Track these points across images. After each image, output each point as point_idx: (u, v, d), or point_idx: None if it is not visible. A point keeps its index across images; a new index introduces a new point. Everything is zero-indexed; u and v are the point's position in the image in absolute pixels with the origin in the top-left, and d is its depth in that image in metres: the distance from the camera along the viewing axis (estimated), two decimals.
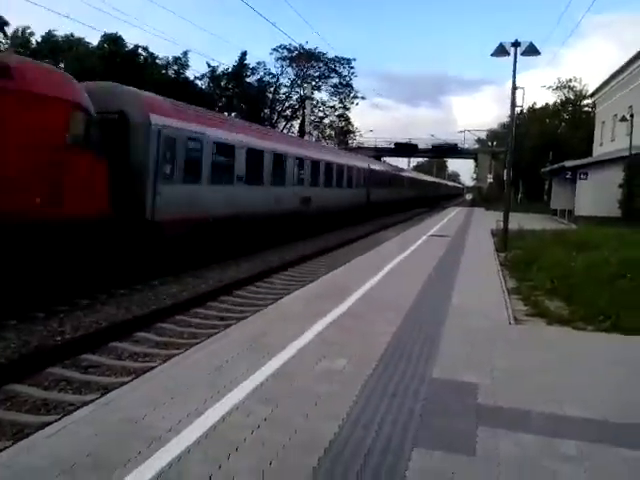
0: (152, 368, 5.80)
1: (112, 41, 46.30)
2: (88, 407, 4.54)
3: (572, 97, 68.29)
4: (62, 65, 41.01)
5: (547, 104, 69.91)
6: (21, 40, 46.22)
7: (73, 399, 6.15)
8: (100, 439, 3.89)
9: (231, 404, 4.54)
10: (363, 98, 65.50)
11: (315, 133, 63.51)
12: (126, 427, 4.09)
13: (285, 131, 58.89)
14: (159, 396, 4.69)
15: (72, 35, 46.68)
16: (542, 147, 58.35)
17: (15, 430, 5.37)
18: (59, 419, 4.41)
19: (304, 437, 4.02)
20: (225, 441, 3.91)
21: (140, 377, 5.38)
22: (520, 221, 22.26)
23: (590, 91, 51.25)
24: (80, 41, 46.94)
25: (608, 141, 37.55)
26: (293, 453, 3.78)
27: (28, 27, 46.97)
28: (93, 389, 6.50)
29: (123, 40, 47.41)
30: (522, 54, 16.62)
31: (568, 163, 32.25)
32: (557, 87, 68.61)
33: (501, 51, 16.74)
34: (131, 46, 47.81)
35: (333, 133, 68.40)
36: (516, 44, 16.59)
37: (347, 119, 68.31)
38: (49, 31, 47.01)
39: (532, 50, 16.51)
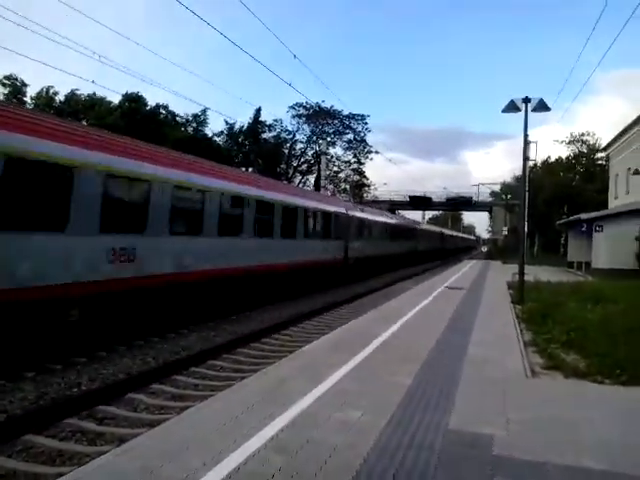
0: (168, 419, 5.84)
1: (133, 100, 47.92)
2: (105, 457, 4.58)
3: (585, 150, 68.93)
4: (84, 122, 42.36)
5: (560, 157, 70.60)
6: (45, 99, 47.91)
7: (89, 450, 6.19)
8: None
9: (247, 454, 4.57)
10: (377, 152, 66.61)
11: (330, 187, 64.40)
12: (143, 476, 4.12)
13: (301, 185, 59.77)
14: (175, 446, 4.73)
15: (94, 94, 48.39)
16: (557, 199, 58.64)
17: None
18: (75, 469, 4.46)
19: None
20: None
21: (156, 427, 5.42)
22: (536, 273, 22.24)
23: (603, 145, 51.73)
24: (102, 100, 48.59)
25: (623, 194, 37.59)
26: None
27: (52, 86, 48.78)
28: (109, 440, 6.53)
29: (144, 99, 49.10)
30: (532, 110, 16.91)
31: (584, 216, 32.28)
32: (570, 141, 69.47)
33: (512, 107, 17.06)
34: (151, 104, 49.49)
35: (348, 187, 69.24)
36: (526, 100, 16.92)
37: (361, 173, 69.37)
38: (72, 91, 48.80)
39: (542, 106, 16.82)
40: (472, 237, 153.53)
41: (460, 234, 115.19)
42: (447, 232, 76.57)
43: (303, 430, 5.21)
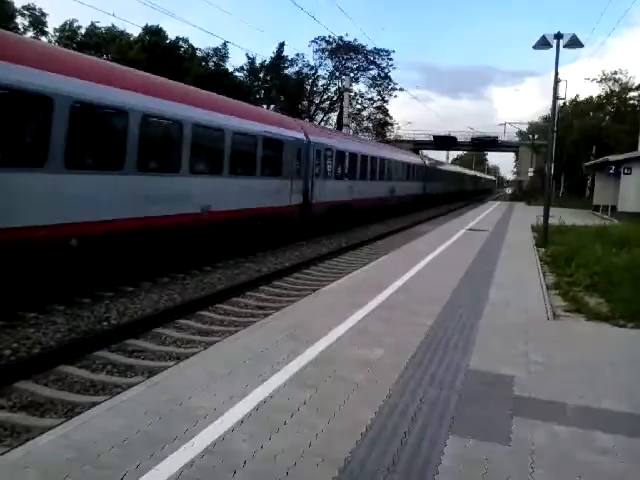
0: (195, 353, 6.02)
1: (153, 33, 47.13)
2: (136, 388, 4.77)
3: (617, 90, 66.50)
4: (106, 57, 41.92)
5: (591, 97, 68.30)
6: (69, 33, 47.36)
7: (119, 381, 6.43)
8: (148, 418, 4.10)
9: (272, 388, 4.72)
10: (402, 90, 65.21)
11: (353, 125, 63.46)
12: (173, 407, 4.29)
13: (322, 123, 58.98)
14: (203, 379, 4.89)
15: (114, 27, 47.68)
16: (585, 141, 57.09)
17: (66, 409, 5.66)
18: (108, 399, 4.65)
19: (343, 421, 4.16)
20: (267, 423, 4.08)
21: (184, 361, 5.60)
22: (561, 216, 21.93)
23: (636, 83, 49.91)
24: (122, 33, 47.86)
25: None
26: (332, 436, 3.92)
27: (76, 20, 48.13)
28: (138, 372, 6.77)
29: (164, 32, 48.25)
30: (565, 46, 16.29)
31: (612, 157, 31.51)
32: (602, 79, 66.93)
33: (543, 43, 16.42)
34: (171, 38, 48.65)
35: (371, 125, 68.22)
36: (558, 36, 16.26)
37: (385, 111, 68.08)
38: (92, 24, 48.08)
39: (575, 42, 16.16)
40: (490, 177, 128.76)
41: (470, 172, 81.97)
42: (446, 169, 54.22)
43: (327, 367, 5.34)
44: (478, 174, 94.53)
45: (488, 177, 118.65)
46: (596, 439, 4.08)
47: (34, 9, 45.43)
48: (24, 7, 44.75)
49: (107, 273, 10.58)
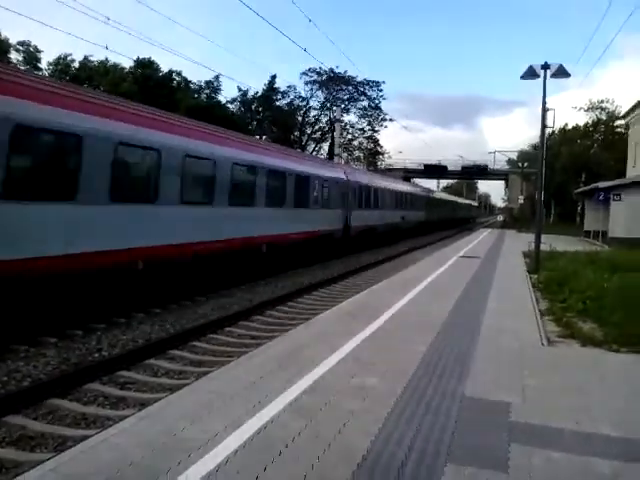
0: (187, 384, 5.96)
1: (145, 66, 47.67)
2: (128, 420, 4.70)
3: (604, 118, 67.61)
4: (99, 89, 42.27)
5: (578, 125, 69.32)
6: (62, 66, 47.82)
7: (111, 414, 6.34)
8: (141, 450, 4.03)
9: (267, 418, 4.66)
10: (391, 120, 66.02)
11: (344, 155, 63.99)
12: (166, 439, 4.23)
13: (314, 153, 59.46)
14: (196, 410, 4.83)
15: (107, 59, 48.19)
16: (574, 168, 57.83)
17: (57, 442, 5.57)
18: (100, 431, 4.58)
19: (339, 451, 4.11)
20: (262, 453, 4.02)
21: (177, 392, 5.53)
22: (552, 243, 22.07)
23: (623, 112, 50.73)
24: (115, 66, 48.38)
25: None
26: (327, 467, 3.87)
27: (69, 54, 48.65)
28: (130, 404, 6.69)
29: (156, 64, 48.82)
30: (552, 76, 16.60)
31: (601, 184, 31.83)
32: (589, 108, 68.10)
33: (531, 73, 16.73)
34: (164, 70, 49.21)
35: (362, 155, 68.80)
36: (546, 66, 16.58)
37: (376, 141, 68.81)
38: (85, 57, 48.61)
39: (562, 72, 16.48)
40: (473, 203, 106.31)
41: (447, 197, 69.43)
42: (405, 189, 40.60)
43: (321, 396, 5.29)
44: (452, 198, 73.67)
45: (467, 202, 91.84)
46: (594, 465, 4.04)
47: (29, 45, 45.93)
48: (19, 43, 45.27)
49: (100, 305, 10.50)
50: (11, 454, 5.25)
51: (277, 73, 70.42)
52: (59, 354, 8.43)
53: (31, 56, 46.21)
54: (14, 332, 8.71)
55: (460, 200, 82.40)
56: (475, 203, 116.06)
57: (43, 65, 47.34)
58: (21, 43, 45.47)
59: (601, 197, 31.41)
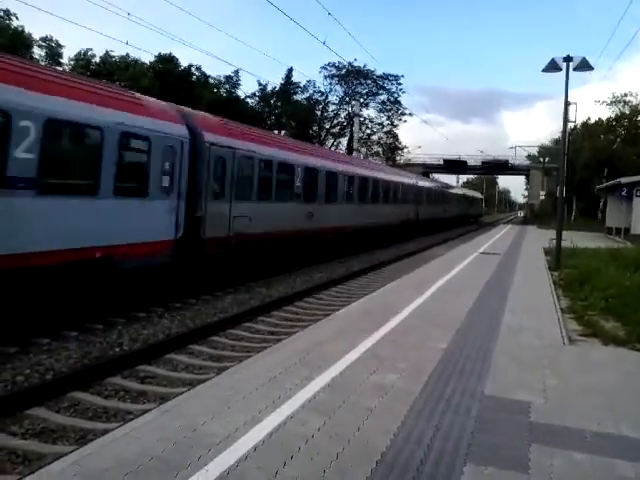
0: (207, 379, 5.99)
1: (166, 61, 47.88)
2: (149, 414, 4.73)
3: (627, 112, 66.50)
4: (119, 84, 42.58)
5: (601, 119, 68.28)
6: (83, 62, 48.20)
7: (132, 407, 6.41)
8: (162, 444, 4.06)
9: (286, 414, 4.68)
10: (411, 114, 65.51)
11: (363, 150, 63.76)
12: (186, 434, 4.26)
13: (333, 148, 59.35)
14: (216, 405, 4.86)
15: (128, 55, 48.48)
16: (596, 163, 56.99)
17: (78, 436, 5.64)
18: (121, 425, 4.63)
19: (357, 448, 4.11)
20: (281, 449, 4.03)
21: (197, 387, 5.57)
22: (573, 239, 21.82)
23: None
24: (136, 62, 48.67)
25: None
26: (346, 464, 3.87)
27: (90, 49, 48.99)
28: (151, 398, 6.75)
29: (176, 59, 49.02)
30: (574, 69, 16.36)
31: (624, 180, 31.38)
32: (612, 102, 67.00)
33: (553, 67, 16.52)
34: (184, 65, 49.38)
35: (381, 150, 68.49)
36: (568, 59, 16.35)
37: (395, 136, 68.38)
38: (106, 52, 48.95)
39: (585, 65, 16.24)
40: (474, 194, 76.76)
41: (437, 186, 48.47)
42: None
43: (340, 393, 5.29)
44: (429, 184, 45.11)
45: (461, 194, 62.70)
46: (616, 467, 3.99)
47: (51, 40, 46.38)
48: (42, 38, 45.71)
49: (119, 299, 10.61)
50: (34, 446, 5.32)
51: (297, 68, 70.15)
52: (81, 348, 8.53)
53: (53, 51, 46.62)
54: (37, 325, 8.83)
55: (450, 190, 54.06)
56: (478, 194, 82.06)
57: (64, 60, 47.78)
58: (43, 39, 45.92)
59: (624, 193, 30.98)
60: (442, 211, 45.60)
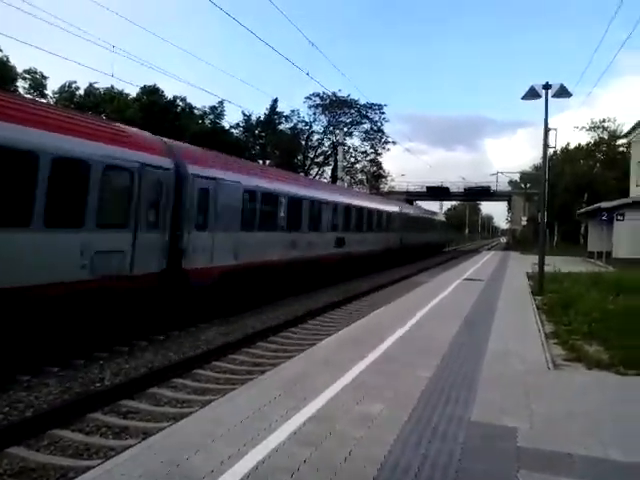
0: (191, 413, 5.90)
1: (150, 92, 48.17)
2: (131, 450, 4.64)
3: (606, 137, 67.87)
4: (104, 116, 42.67)
5: (580, 144, 69.55)
6: (67, 94, 48.30)
7: (114, 444, 6.27)
8: None
9: (272, 446, 4.61)
10: (394, 143, 66.38)
11: (347, 178, 64.23)
12: (170, 469, 4.17)
13: (317, 177, 59.75)
14: (200, 439, 4.78)
15: (112, 87, 48.70)
16: (576, 188, 57.87)
17: (59, 474, 5.50)
18: (103, 462, 4.52)
19: (344, 479, 4.05)
20: None
21: (180, 421, 5.47)
22: (556, 264, 22.02)
23: (624, 131, 51.01)
24: (120, 94, 48.90)
25: None
26: None
27: (74, 82, 49.15)
28: (133, 434, 6.61)
29: (161, 91, 49.36)
30: (553, 96, 16.69)
31: (604, 204, 31.88)
32: (590, 127, 68.41)
33: (532, 94, 16.84)
34: (168, 97, 49.70)
35: (365, 178, 69.04)
36: (547, 86, 16.70)
37: (378, 164, 69.11)
38: (90, 84, 49.14)
39: (563, 92, 16.59)
40: (434, 217, 56.01)
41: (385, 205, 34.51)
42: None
43: (326, 423, 5.23)
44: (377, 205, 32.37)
45: (421, 216, 47.62)
46: None
47: (35, 72, 46.48)
48: (25, 71, 45.79)
49: (102, 332, 10.46)
50: None
51: (281, 98, 70.84)
52: (61, 383, 8.37)
53: (37, 83, 46.69)
54: (17, 361, 8.67)
55: (408, 209, 42.00)
56: (441, 217, 63.32)
57: (48, 92, 47.86)
58: (27, 71, 46.01)
59: (604, 217, 31.42)
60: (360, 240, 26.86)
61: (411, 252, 38.53)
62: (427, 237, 46.65)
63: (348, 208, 25.37)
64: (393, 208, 35.16)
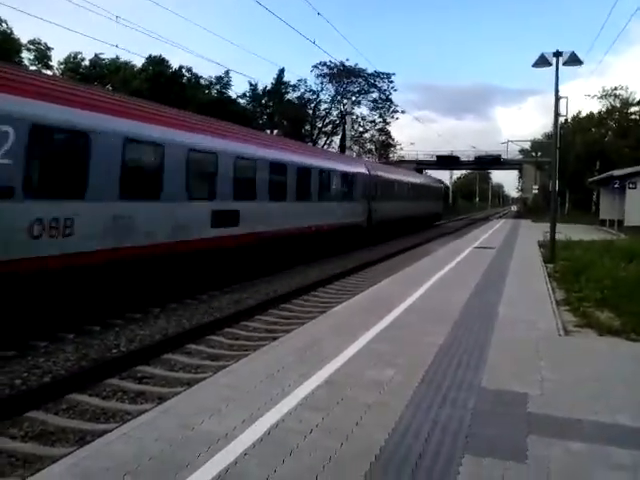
0: (205, 378, 6.00)
1: (156, 63, 47.74)
2: (147, 414, 4.74)
3: (618, 105, 66.75)
4: (109, 87, 42.40)
5: (592, 113, 68.50)
6: (72, 65, 48.00)
7: (130, 408, 6.41)
8: (160, 444, 4.07)
9: (284, 411, 4.69)
10: (403, 112, 65.72)
11: (356, 148, 63.82)
12: (185, 433, 4.26)
13: (325, 146, 59.39)
14: (214, 404, 4.87)
15: (118, 58, 48.28)
16: (588, 156, 57.20)
17: (78, 437, 5.64)
18: (120, 426, 4.63)
19: (356, 444, 4.12)
20: (280, 446, 4.05)
21: (195, 386, 5.58)
22: (567, 232, 21.91)
23: (637, 99, 50.19)
24: (126, 64, 48.49)
25: None
26: (345, 460, 3.89)
27: (80, 52, 48.77)
28: (149, 398, 6.76)
29: (167, 61, 48.88)
30: (564, 64, 16.42)
31: (616, 172, 31.54)
32: (602, 95, 67.25)
33: (542, 62, 16.56)
34: (174, 67, 49.25)
35: (374, 147, 68.57)
36: (557, 54, 16.41)
37: (387, 133, 68.51)
38: (96, 55, 48.72)
39: (574, 60, 16.29)
40: (435, 183, 51.34)
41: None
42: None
43: (338, 389, 5.31)
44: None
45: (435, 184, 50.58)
46: (612, 455, 4.02)
47: (40, 43, 46.10)
48: (30, 42, 45.41)
49: (117, 300, 10.60)
50: (33, 449, 5.32)
51: (288, 68, 69.95)
52: (78, 350, 8.53)
53: (42, 54, 46.37)
54: (34, 328, 8.82)
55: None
56: (438, 184, 53.91)
57: (54, 63, 47.56)
58: (32, 42, 45.63)
59: (616, 185, 31.13)
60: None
61: (386, 229, 29.96)
62: (413, 208, 37.51)
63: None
64: (352, 168, 25.74)
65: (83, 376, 7.11)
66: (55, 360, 8.00)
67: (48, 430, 5.76)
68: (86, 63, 49.08)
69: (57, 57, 48.35)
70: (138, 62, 48.59)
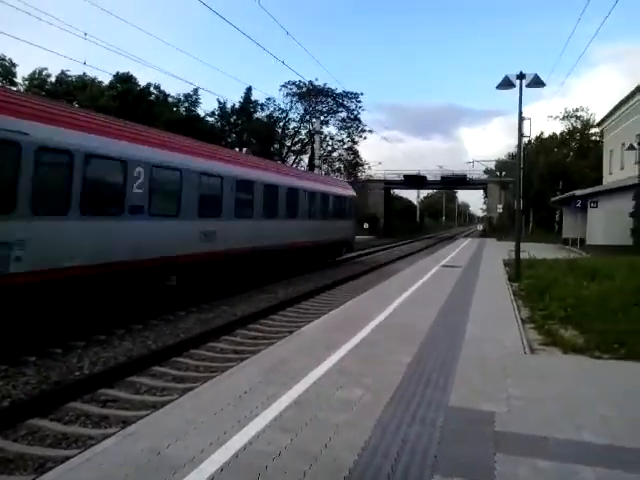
0: (171, 401, 5.88)
1: (124, 80, 47.37)
2: (111, 439, 4.61)
3: (579, 126, 68.77)
4: (76, 104, 41.84)
5: (554, 133, 70.37)
6: (38, 82, 47.26)
7: (93, 433, 6.24)
8: (125, 469, 3.96)
9: (252, 433, 4.62)
10: (371, 132, 66.30)
11: (324, 167, 64.09)
12: (150, 457, 4.16)
13: (294, 165, 59.54)
14: (180, 427, 4.77)
15: (85, 74, 47.75)
16: (551, 176, 58.63)
17: (37, 464, 5.45)
18: (82, 451, 4.50)
19: (325, 465, 4.08)
20: (248, 469, 3.98)
21: (160, 409, 5.46)
22: (531, 251, 22.30)
23: (597, 120, 51.76)
24: (93, 81, 47.97)
25: (618, 169, 37.67)
26: None
27: (45, 69, 48.06)
28: (113, 422, 6.58)
29: (135, 79, 48.54)
30: (527, 86, 16.85)
31: (578, 192, 32.35)
32: (564, 117, 69.25)
33: (506, 83, 16.99)
34: (142, 85, 48.91)
35: (342, 166, 68.96)
36: (521, 76, 16.85)
37: (355, 152, 69.00)
38: (62, 72, 48.09)
39: (537, 82, 16.75)
40: (341, 192, 28.51)
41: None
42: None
43: (306, 409, 5.26)
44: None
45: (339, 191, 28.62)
46: (578, 472, 4.06)
47: (4, 59, 45.32)
48: None
49: (79, 322, 10.36)
50: None
51: (257, 87, 70.29)
52: (39, 373, 8.29)
53: (7, 70, 45.57)
54: None
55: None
56: (348, 191, 30.47)
57: (18, 80, 46.74)
58: None
59: (578, 204, 31.93)
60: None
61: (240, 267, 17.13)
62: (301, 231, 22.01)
63: None
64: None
65: (44, 400, 6.90)
66: (14, 384, 7.75)
67: (6, 457, 5.55)
68: (52, 80, 48.39)
69: (22, 74, 47.51)
70: (106, 79, 48.16)
